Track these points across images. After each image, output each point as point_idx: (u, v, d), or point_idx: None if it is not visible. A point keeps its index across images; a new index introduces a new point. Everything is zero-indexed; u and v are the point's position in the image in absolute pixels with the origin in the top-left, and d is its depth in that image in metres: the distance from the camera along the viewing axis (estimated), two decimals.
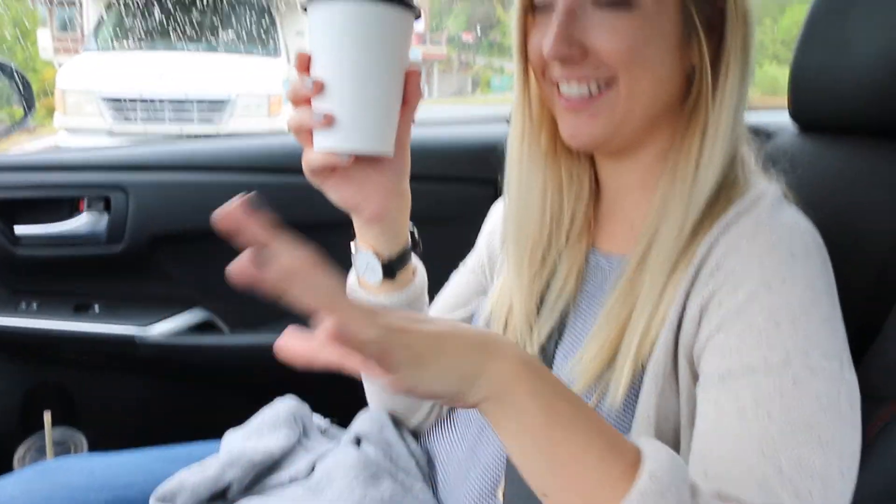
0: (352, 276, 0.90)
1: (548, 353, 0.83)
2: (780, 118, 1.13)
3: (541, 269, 0.87)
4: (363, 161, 0.77)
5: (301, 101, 0.73)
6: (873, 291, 0.75)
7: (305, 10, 0.72)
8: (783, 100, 1.06)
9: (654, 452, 0.58)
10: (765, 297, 0.67)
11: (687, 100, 0.79)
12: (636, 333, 0.73)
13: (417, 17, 0.74)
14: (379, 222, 0.83)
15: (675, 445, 0.72)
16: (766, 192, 0.75)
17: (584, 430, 0.58)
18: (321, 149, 0.73)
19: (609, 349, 0.75)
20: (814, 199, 0.79)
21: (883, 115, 0.93)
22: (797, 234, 0.71)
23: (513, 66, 0.87)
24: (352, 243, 0.88)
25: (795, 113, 1.06)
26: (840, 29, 0.95)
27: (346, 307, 0.54)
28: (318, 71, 0.71)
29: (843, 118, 0.98)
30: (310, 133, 0.73)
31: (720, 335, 0.68)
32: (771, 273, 0.68)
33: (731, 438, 0.64)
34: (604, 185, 0.89)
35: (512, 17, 0.84)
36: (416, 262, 0.92)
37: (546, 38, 0.75)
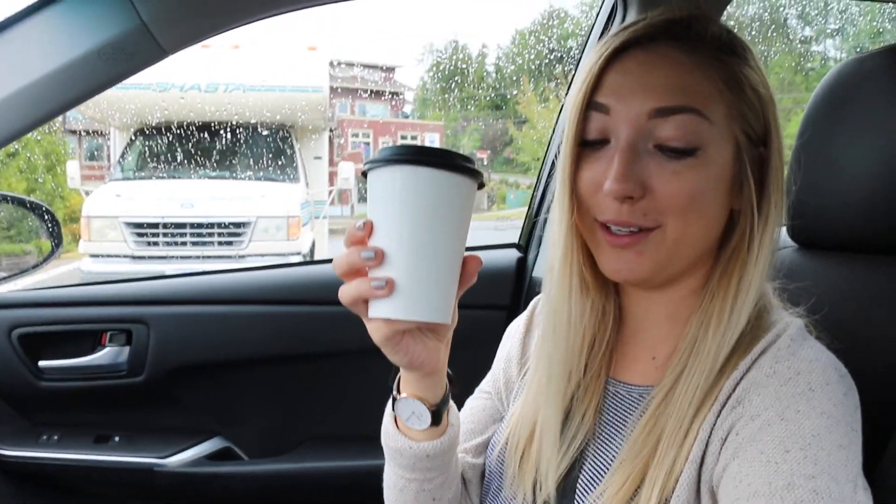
0: (388, 424, 0.87)
1: (568, 486, 0.82)
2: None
3: (561, 403, 0.86)
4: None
5: (354, 272, 0.71)
6: (878, 408, 0.75)
7: (365, 175, 0.70)
8: None
9: None
10: (777, 425, 0.67)
11: (729, 241, 0.79)
12: (662, 469, 0.72)
13: (481, 186, 0.72)
14: (433, 376, 0.82)
15: None
16: (787, 327, 0.75)
17: None
18: (380, 316, 0.70)
19: (632, 484, 0.74)
20: (813, 313, 0.80)
21: (876, 233, 0.94)
22: (817, 368, 0.70)
23: (525, 181, 0.86)
24: (396, 394, 0.85)
25: (792, 231, 1.07)
26: (828, 149, 0.98)
27: None
28: (379, 239, 0.68)
29: (838, 236, 1.00)
30: (365, 302, 0.71)
31: (734, 463, 0.68)
32: (786, 405, 0.68)
33: None
34: (628, 314, 0.88)
35: (563, 149, 0.81)
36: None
37: (605, 175, 0.75)
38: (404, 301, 0.68)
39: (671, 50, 0.76)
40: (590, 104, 0.78)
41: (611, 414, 0.84)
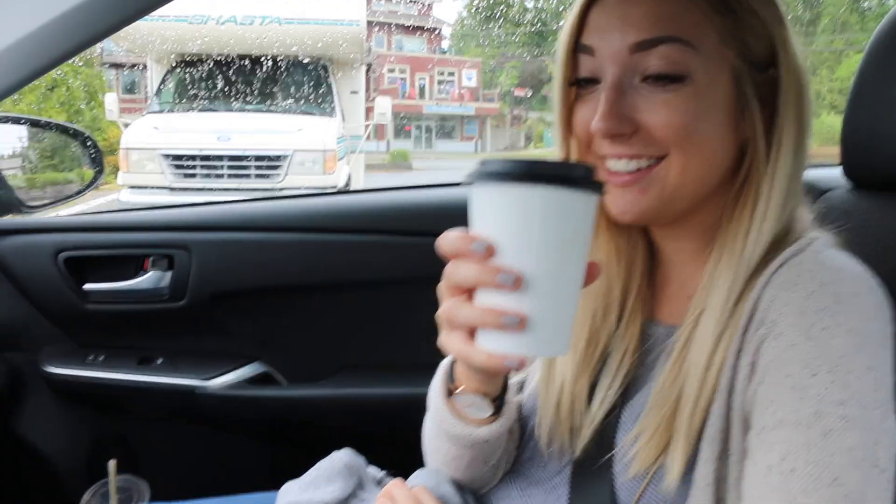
0: (441, 407, 0.85)
1: (608, 433, 0.81)
2: (833, 173, 1.13)
3: (594, 349, 0.86)
4: None
5: (461, 290, 0.65)
6: None
7: (481, 190, 0.60)
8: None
9: None
10: (803, 346, 0.65)
11: (739, 172, 0.76)
12: (687, 409, 0.72)
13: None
14: (500, 375, 0.82)
15: None
16: (811, 240, 0.73)
17: None
18: (500, 352, 0.62)
19: (665, 429, 0.73)
20: (868, 256, 0.76)
21: None
22: (846, 277, 0.68)
23: None
24: (450, 385, 0.83)
25: (848, 170, 1.05)
26: (889, 88, 0.96)
27: None
28: (512, 262, 0.59)
29: (894, 175, 0.98)
30: (470, 330, 0.65)
31: (762, 387, 0.66)
32: (811, 321, 0.65)
33: (756, 499, 0.63)
34: (660, 255, 0.86)
35: (553, 91, 0.81)
36: None
37: (595, 114, 0.73)
38: (533, 337, 0.60)
39: None
40: (576, 47, 0.77)
41: (649, 355, 0.83)
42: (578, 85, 0.78)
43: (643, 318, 0.85)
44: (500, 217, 0.60)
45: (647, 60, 0.72)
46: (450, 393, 0.84)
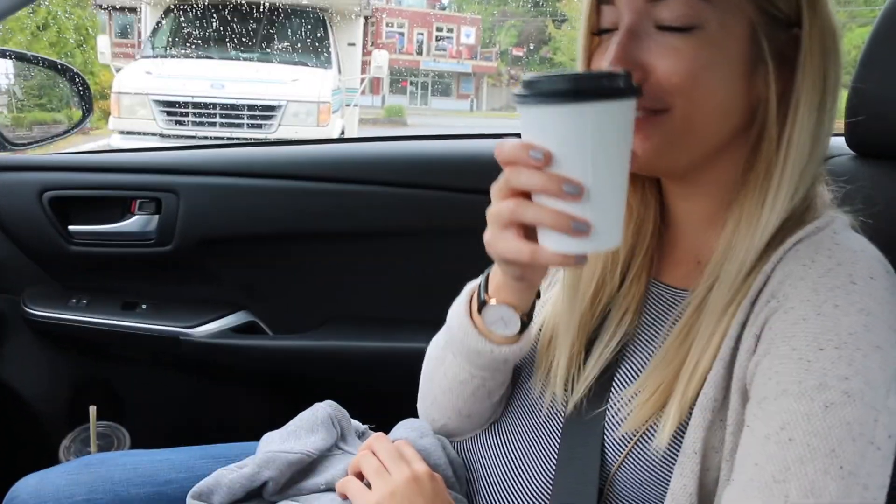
0: (466, 324, 0.84)
1: (601, 388, 0.81)
2: (836, 141, 1.12)
3: (595, 304, 0.86)
4: None
5: (519, 194, 0.68)
6: None
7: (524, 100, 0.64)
8: (840, 123, 1.04)
9: None
10: (813, 321, 0.65)
11: (751, 132, 0.75)
12: (686, 375, 0.72)
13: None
14: (534, 287, 0.82)
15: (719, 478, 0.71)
16: (831, 220, 0.72)
17: None
18: (566, 251, 0.66)
19: (664, 391, 0.73)
20: (869, 225, 0.77)
21: None
22: (862, 259, 0.68)
23: None
24: (482, 292, 0.83)
25: (851, 138, 1.04)
26: None
27: None
28: (565, 171, 0.64)
29: None
30: (528, 228, 0.69)
31: (766, 359, 0.67)
32: (823, 298, 0.65)
33: (751, 466, 0.63)
34: (670, 217, 0.86)
35: (578, 40, 0.82)
36: None
37: (605, 59, 0.73)
38: (595, 236, 0.65)
39: None
40: None
41: (651, 315, 0.83)
42: (601, 35, 0.79)
43: (648, 277, 0.85)
44: (555, 133, 0.64)
45: (662, 10, 0.71)
46: (479, 309, 0.83)
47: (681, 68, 0.70)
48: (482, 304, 0.82)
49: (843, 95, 1.06)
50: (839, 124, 1.05)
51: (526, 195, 0.68)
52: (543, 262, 0.67)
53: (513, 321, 0.81)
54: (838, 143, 1.09)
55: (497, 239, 0.71)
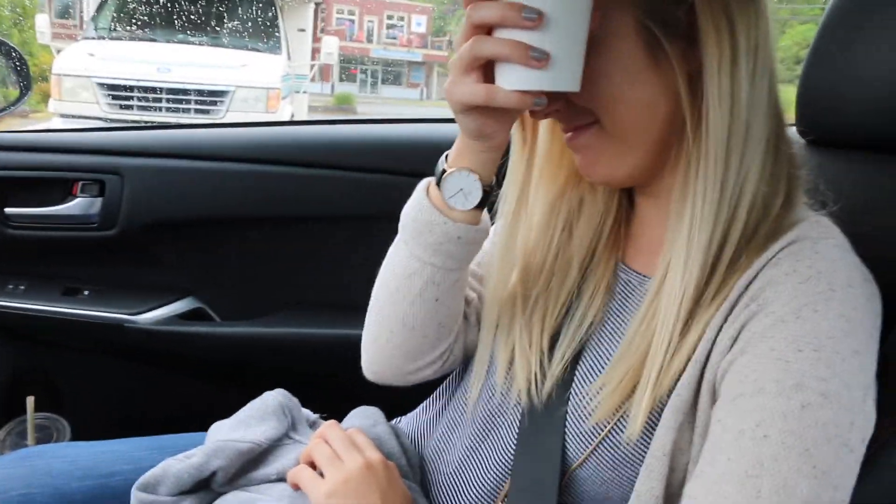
0: (421, 199, 0.82)
1: (567, 376, 0.80)
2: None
3: (553, 290, 0.85)
4: None
5: (483, 28, 0.67)
6: (885, 302, 0.74)
7: None
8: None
9: None
10: (792, 323, 0.65)
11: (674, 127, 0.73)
12: (655, 365, 0.71)
13: None
14: (497, 150, 0.78)
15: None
16: (811, 230, 0.71)
17: None
18: (521, 87, 0.66)
19: (631, 380, 0.72)
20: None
21: (890, 131, 0.92)
22: (841, 268, 0.67)
23: None
24: (442, 163, 0.81)
25: (802, 127, 1.06)
26: (850, 44, 0.95)
27: None
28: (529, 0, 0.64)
29: (849, 133, 0.98)
30: (490, 67, 0.68)
31: (742, 358, 0.66)
32: (803, 303, 0.65)
33: (723, 461, 0.63)
34: (636, 204, 0.86)
35: None
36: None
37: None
38: (551, 73, 0.65)
39: None
40: None
41: (619, 301, 0.82)
42: None
43: (616, 262, 0.85)
44: None
45: None
46: (438, 181, 0.80)
47: (586, 89, 0.69)
48: (441, 176, 0.80)
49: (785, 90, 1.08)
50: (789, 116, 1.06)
51: (488, 35, 0.67)
52: (500, 100, 0.67)
53: (474, 189, 0.79)
54: (790, 132, 1.10)
55: (455, 84, 0.70)
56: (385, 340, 0.90)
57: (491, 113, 0.71)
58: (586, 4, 0.65)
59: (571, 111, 0.74)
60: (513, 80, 0.66)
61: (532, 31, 0.64)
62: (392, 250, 0.88)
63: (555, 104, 0.73)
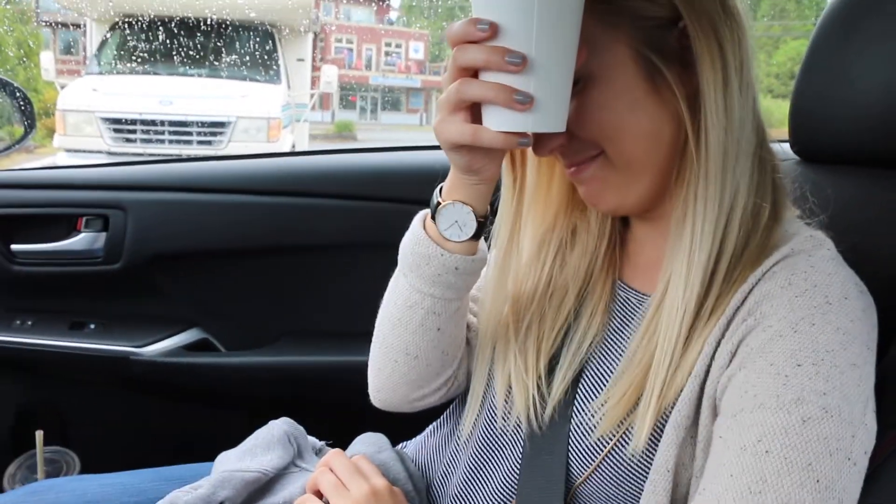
0: (417, 232, 0.83)
1: (569, 394, 0.80)
2: (778, 147, 1.14)
3: (547, 316, 0.86)
4: None
5: (469, 71, 0.68)
6: (880, 318, 0.74)
7: None
8: (777, 132, 1.06)
9: None
10: (790, 338, 0.65)
11: (676, 144, 0.74)
12: (658, 379, 0.71)
13: None
14: (489, 183, 0.79)
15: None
16: (805, 243, 0.72)
17: None
18: (508, 130, 0.67)
19: (634, 393, 0.73)
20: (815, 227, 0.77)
21: (882, 146, 0.93)
22: (836, 282, 0.68)
23: None
24: (437, 196, 0.82)
25: (795, 143, 1.06)
26: (840, 60, 0.95)
27: None
28: (509, 44, 0.65)
29: (842, 148, 0.98)
30: (477, 105, 0.69)
31: (741, 373, 0.67)
32: (800, 316, 0.66)
33: (726, 477, 0.63)
34: (632, 227, 0.87)
35: None
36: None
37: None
38: (536, 114, 0.66)
39: None
40: None
41: (618, 320, 0.83)
42: None
43: (614, 280, 0.86)
44: (501, 4, 0.64)
45: None
46: (434, 215, 0.81)
47: (590, 122, 0.72)
48: (436, 209, 0.81)
49: (773, 107, 1.09)
50: (783, 131, 1.07)
51: (474, 77, 0.68)
52: (486, 141, 0.68)
53: (468, 221, 0.80)
54: (782, 148, 1.11)
55: (442, 123, 0.71)
56: (390, 370, 0.91)
57: (479, 150, 0.73)
58: (571, 47, 0.66)
59: (576, 145, 0.75)
60: (499, 121, 0.68)
61: (516, 74, 0.65)
62: (393, 282, 0.89)
63: (558, 139, 0.74)
